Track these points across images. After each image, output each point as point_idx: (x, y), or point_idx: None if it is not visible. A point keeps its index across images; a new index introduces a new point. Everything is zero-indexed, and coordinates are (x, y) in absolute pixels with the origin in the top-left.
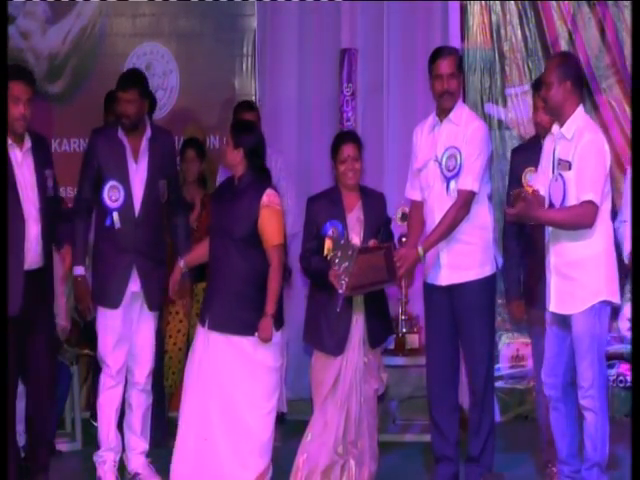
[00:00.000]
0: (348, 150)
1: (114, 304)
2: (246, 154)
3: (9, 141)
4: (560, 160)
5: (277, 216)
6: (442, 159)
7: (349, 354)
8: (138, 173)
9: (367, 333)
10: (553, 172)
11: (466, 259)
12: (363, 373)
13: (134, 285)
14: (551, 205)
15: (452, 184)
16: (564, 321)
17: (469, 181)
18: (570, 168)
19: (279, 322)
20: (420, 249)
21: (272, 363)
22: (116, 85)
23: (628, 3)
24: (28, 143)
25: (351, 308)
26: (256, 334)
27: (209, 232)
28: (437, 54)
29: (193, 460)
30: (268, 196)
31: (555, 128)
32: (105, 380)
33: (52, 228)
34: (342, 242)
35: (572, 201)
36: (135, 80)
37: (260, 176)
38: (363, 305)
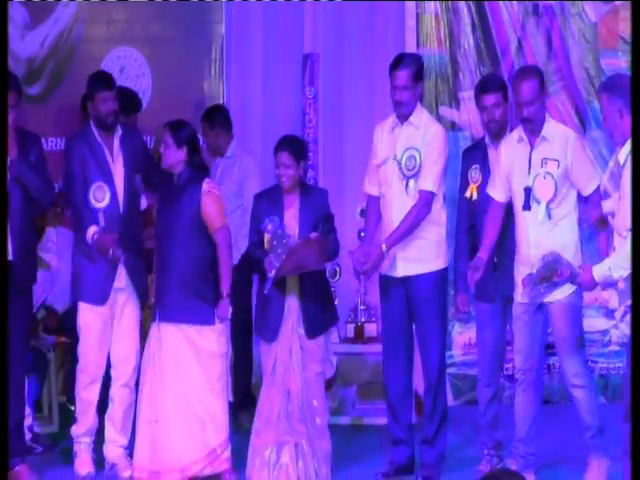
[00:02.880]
0: (281, 157)
1: (101, 300)
2: (189, 151)
3: None
4: (547, 159)
5: (218, 200)
6: (401, 159)
7: (283, 339)
8: (117, 171)
9: (304, 323)
10: (529, 172)
11: (421, 252)
12: (301, 358)
13: (119, 281)
14: (536, 201)
15: (411, 183)
16: (539, 308)
17: (429, 183)
18: (559, 166)
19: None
20: (384, 246)
21: (216, 349)
22: (97, 85)
23: (575, 12)
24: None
25: (284, 295)
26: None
27: (155, 233)
28: (395, 64)
29: (149, 444)
30: (208, 184)
31: (519, 133)
32: (83, 377)
33: (29, 221)
34: (278, 232)
35: (561, 195)
36: (113, 78)
37: (198, 170)
38: (298, 292)
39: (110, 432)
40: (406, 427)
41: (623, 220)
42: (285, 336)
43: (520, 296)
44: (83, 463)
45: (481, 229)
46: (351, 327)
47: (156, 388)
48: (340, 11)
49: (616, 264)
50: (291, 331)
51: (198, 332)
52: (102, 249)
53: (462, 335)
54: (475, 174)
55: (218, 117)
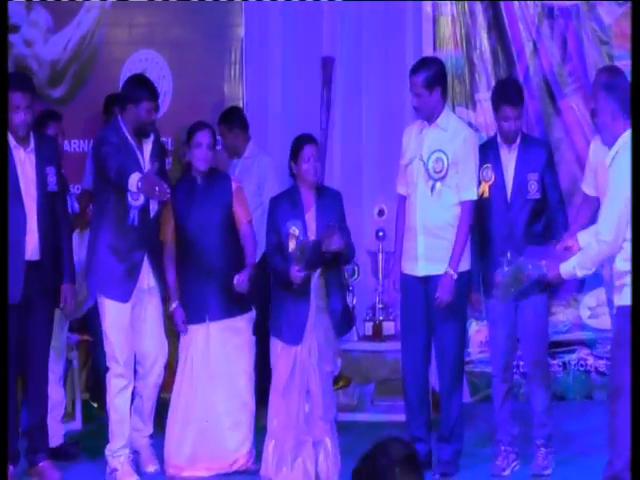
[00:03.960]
0: (310, 151)
1: (125, 297)
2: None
3: (13, 142)
4: None
5: (244, 195)
6: (428, 160)
7: (305, 341)
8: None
9: (335, 324)
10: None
11: (441, 253)
12: (317, 357)
13: (145, 281)
14: None
15: (438, 185)
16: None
17: (473, 192)
18: None
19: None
20: (451, 271)
21: (252, 336)
22: (144, 93)
23: (590, 15)
24: (32, 143)
25: (308, 300)
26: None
27: (181, 236)
28: (412, 69)
29: (192, 443)
30: (235, 181)
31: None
32: (115, 382)
33: (53, 221)
34: (302, 241)
35: None
36: (157, 89)
37: (217, 170)
38: (324, 295)
39: (136, 421)
40: (423, 425)
41: (603, 221)
42: (307, 338)
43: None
44: (127, 474)
45: (491, 227)
46: (369, 325)
47: (202, 387)
48: (358, 14)
49: (581, 263)
50: (311, 333)
51: (242, 320)
52: (149, 191)
53: (479, 333)
54: (487, 173)
55: (236, 118)
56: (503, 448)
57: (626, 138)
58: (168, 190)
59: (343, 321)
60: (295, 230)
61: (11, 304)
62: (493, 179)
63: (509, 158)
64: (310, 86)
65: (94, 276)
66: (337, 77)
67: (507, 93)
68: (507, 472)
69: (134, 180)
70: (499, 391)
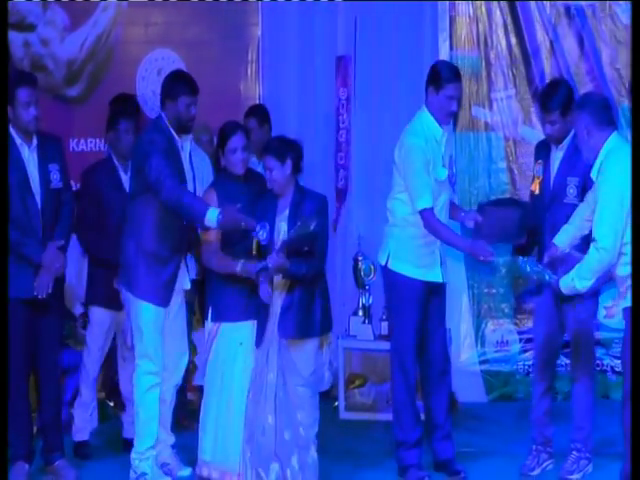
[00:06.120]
0: (265, 161)
1: (166, 302)
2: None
3: (19, 140)
4: None
5: None
6: (451, 171)
7: (262, 345)
8: (189, 173)
9: (280, 322)
10: None
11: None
12: (280, 366)
13: (181, 283)
14: None
15: (450, 195)
16: None
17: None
18: None
19: None
20: None
21: None
22: (184, 88)
23: (607, 14)
24: (35, 141)
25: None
26: None
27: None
28: (453, 74)
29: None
30: None
31: None
32: (146, 379)
33: (57, 218)
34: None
35: None
36: (197, 85)
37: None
38: (285, 294)
39: (161, 433)
40: (416, 425)
41: (599, 229)
42: (266, 342)
43: None
44: (159, 477)
45: (536, 225)
46: (385, 325)
47: (241, 389)
48: (374, 13)
49: (580, 275)
50: (272, 336)
51: None
52: (233, 224)
53: (494, 332)
54: (539, 170)
55: (265, 114)
56: (534, 447)
57: (608, 147)
58: (253, 222)
59: (297, 322)
60: (263, 234)
61: (20, 302)
62: (542, 177)
63: (555, 158)
64: (326, 85)
65: (135, 284)
66: (353, 77)
67: (542, 97)
68: (537, 472)
69: (212, 215)
70: (536, 390)
